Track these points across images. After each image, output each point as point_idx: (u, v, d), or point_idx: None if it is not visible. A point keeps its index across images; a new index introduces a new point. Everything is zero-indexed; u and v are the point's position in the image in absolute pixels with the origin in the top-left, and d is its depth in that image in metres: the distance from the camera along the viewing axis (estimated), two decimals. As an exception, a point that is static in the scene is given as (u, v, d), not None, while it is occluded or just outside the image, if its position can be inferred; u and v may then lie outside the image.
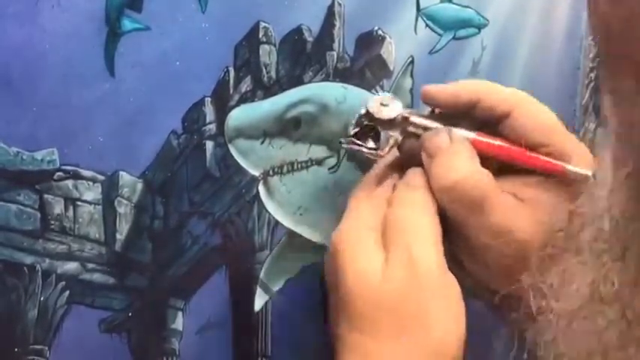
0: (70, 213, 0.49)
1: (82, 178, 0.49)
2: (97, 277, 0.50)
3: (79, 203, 0.49)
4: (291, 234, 0.60)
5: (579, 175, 0.46)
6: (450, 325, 0.41)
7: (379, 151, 0.46)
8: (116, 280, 0.51)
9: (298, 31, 0.58)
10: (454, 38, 0.67)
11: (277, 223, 0.59)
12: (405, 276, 0.41)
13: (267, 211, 0.58)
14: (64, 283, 0.49)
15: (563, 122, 0.51)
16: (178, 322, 0.54)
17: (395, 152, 0.49)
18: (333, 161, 0.59)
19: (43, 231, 0.47)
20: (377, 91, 0.62)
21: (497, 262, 0.45)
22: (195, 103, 0.53)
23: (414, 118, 0.47)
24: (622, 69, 0.28)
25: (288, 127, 0.57)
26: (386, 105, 0.47)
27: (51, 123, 0.47)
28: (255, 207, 0.58)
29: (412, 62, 0.64)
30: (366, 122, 0.47)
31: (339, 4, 0.59)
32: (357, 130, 0.47)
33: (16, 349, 0.47)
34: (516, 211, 0.44)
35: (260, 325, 0.59)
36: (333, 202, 0.60)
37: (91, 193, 0.49)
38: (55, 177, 0.48)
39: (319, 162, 0.59)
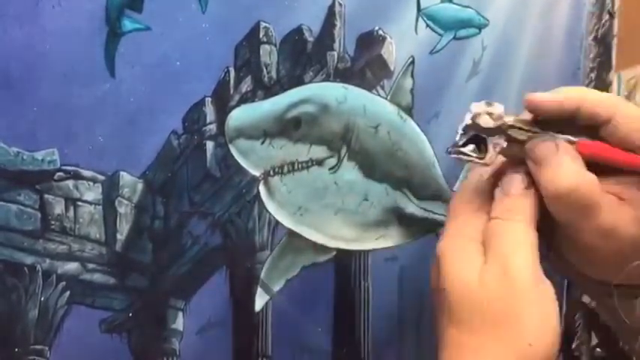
0: (71, 213, 0.49)
1: (82, 178, 0.49)
2: (97, 277, 0.50)
3: (79, 203, 0.49)
4: (292, 234, 0.60)
5: None
6: (540, 333, 0.44)
7: (487, 159, 0.47)
8: (116, 281, 0.51)
9: (299, 31, 0.58)
10: (454, 38, 0.67)
11: (277, 223, 0.59)
12: (499, 283, 0.44)
13: (267, 211, 0.58)
14: (64, 283, 0.49)
15: None
16: (178, 322, 0.54)
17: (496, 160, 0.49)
18: (333, 161, 0.59)
19: (43, 231, 0.47)
20: (377, 92, 0.62)
21: (605, 259, 0.48)
22: (196, 103, 0.53)
23: (518, 123, 0.48)
24: None
25: (288, 127, 0.57)
26: (490, 113, 0.47)
27: (51, 123, 0.47)
28: (255, 207, 0.58)
29: (413, 62, 0.64)
30: (472, 132, 0.47)
31: (340, 4, 0.59)
32: (464, 140, 0.47)
33: (16, 349, 0.47)
34: (620, 211, 0.46)
35: (260, 325, 0.59)
36: (333, 202, 0.60)
37: (92, 193, 0.49)
38: (56, 177, 0.48)
39: (319, 162, 0.59)
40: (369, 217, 0.62)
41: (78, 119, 0.47)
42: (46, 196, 0.47)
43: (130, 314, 0.51)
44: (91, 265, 0.49)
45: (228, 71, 0.54)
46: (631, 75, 0.90)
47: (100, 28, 0.47)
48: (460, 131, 0.48)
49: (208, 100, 0.54)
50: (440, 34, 0.66)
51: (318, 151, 0.59)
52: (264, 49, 0.56)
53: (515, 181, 0.47)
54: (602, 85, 0.84)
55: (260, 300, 0.59)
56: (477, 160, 0.47)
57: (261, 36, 0.56)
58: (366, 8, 0.61)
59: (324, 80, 0.59)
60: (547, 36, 0.75)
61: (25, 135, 0.45)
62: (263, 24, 0.55)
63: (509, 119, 0.48)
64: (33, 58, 0.45)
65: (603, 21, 0.83)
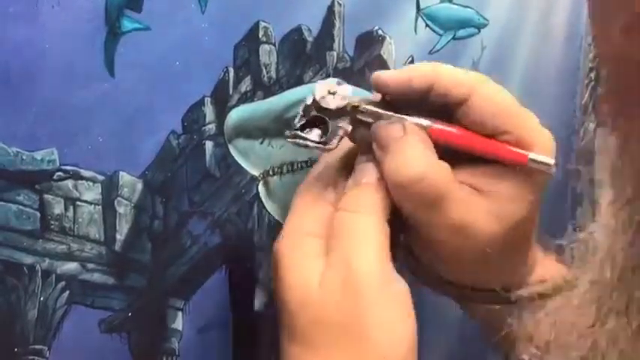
0: (70, 213, 0.49)
1: (81, 178, 0.49)
2: (96, 277, 0.50)
3: (79, 203, 0.49)
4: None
5: (542, 165, 0.44)
6: (393, 337, 0.38)
7: (328, 145, 0.41)
8: (116, 280, 0.51)
9: (298, 31, 0.58)
10: (454, 38, 0.67)
11: (277, 223, 0.59)
12: (342, 288, 0.37)
13: (266, 211, 0.58)
14: (64, 283, 0.49)
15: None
16: (178, 322, 0.54)
17: (344, 145, 0.44)
18: (333, 161, 0.59)
19: (43, 231, 0.47)
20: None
21: (456, 257, 0.43)
22: (195, 103, 0.53)
23: (365, 107, 0.43)
24: (633, 104, 0.26)
25: (288, 127, 0.57)
26: (333, 92, 0.43)
27: (51, 123, 0.47)
28: (255, 207, 0.58)
29: (412, 62, 0.64)
30: (313, 113, 0.42)
31: (339, 4, 0.59)
32: (303, 122, 0.42)
33: (16, 349, 0.47)
34: (474, 205, 0.41)
35: (260, 325, 0.59)
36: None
37: (91, 193, 0.49)
38: (55, 177, 0.48)
39: (319, 162, 0.58)
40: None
41: (77, 119, 0.47)
42: (45, 196, 0.47)
43: (130, 314, 0.51)
44: (90, 265, 0.49)
45: (227, 71, 0.54)
46: (631, 75, 0.90)
47: (100, 27, 0.47)
48: (300, 112, 0.43)
49: (208, 100, 0.54)
50: (439, 34, 0.66)
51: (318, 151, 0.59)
52: (264, 48, 0.56)
53: (368, 170, 0.42)
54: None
55: (260, 300, 0.59)
56: (317, 146, 0.42)
57: (260, 36, 0.56)
58: (365, 8, 0.61)
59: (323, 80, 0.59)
60: (547, 36, 0.75)
61: (24, 135, 0.45)
62: (262, 24, 0.55)
63: (355, 100, 0.43)
64: (32, 58, 0.45)
65: (603, 21, 0.83)
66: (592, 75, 0.83)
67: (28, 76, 0.45)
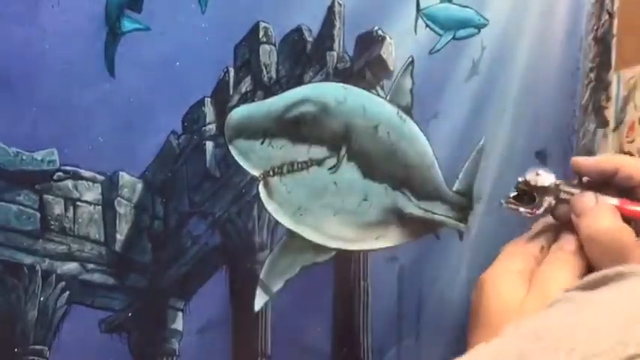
0: (70, 213, 0.49)
1: (81, 178, 0.49)
2: (97, 277, 0.50)
3: (78, 203, 0.49)
4: (291, 234, 0.60)
5: None
6: None
7: (535, 210, 0.52)
8: (116, 281, 0.51)
9: (298, 31, 0.58)
10: (454, 38, 0.67)
11: (277, 223, 0.59)
12: (537, 310, 0.45)
13: (267, 211, 0.58)
14: (64, 283, 0.49)
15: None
16: (178, 322, 0.54)
17: (548, 218, 0.54)
18: (333, 161, 0.59)
19: (43, 231, 0.47)
20: (377, 92, 0.62)
21: None
22: (195, 103, 0.53)
23: (564, 186, 0.53)
24: None
25: (288, 127, 0.57)
26: (540, 175, 0.53)
27: (51, 123, 0.47)
28: (255, 207, 0.58)
29: (412, 62, 0.64)
30: (523, 188, 0.52)
31: (339, 5, 0.59)
32: (515, 194, 0.52)
33: (16, 349, 0.47)
34: None
35: (260, 325, 0.59)
36: (333, 202, 0.60)
37: (91, 193, 0.49)
38: (55, 177, 0.48)
39: (319, 162, 0.58)
40: (368, 217, 0.62)
41: (78, 119, 0.47)
42: (45, 196, 0.47)
43: (130, 314, 0.51)
44: (90, 265, 0.49)
45: (227, 71, 0.54)
46: (630, 75, 0.90)
47: (100, 28, 0.47)
48: (514, 187, 0.53)
49: (208, 100, 0.54)
50: (439, 34, 0.66)
51: (318, 151, 0.59)
52: (264, 49, 0.56)
53: (570, 240, 0.52)
54: (602, 84, 0.84)
55: (260, 300, 0.59)
56: (525, 211, 0.53)
57: (260, 36, 0.56)
58: (365, 8, 0.61)
59: (323, 80, 0.59)
60: (547, 36, 0.75)
61: (24, 135, 0.45)
62: (262, 24, 0.55)
63: (558, 181, 0.53)
64: (33, 58, 0.45)
65: (602, 21, 0.83)
66: (592, 75, 0.83)
67: (28, 77, 0.45)
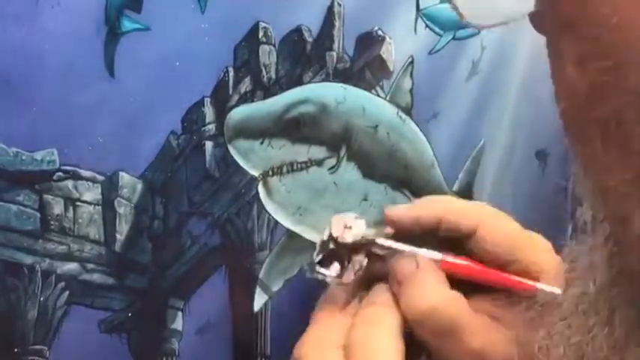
0: (70, 213, 0.49)
1: (81, 178, 0.49)
2: (96, 277, 0.50)
3: (78, 204, 0.49)
4: (291, 234, 0.60)
5: (550, 294, 0.46)
6: None
7: (343, 279, 0.44)
8: (116, 281, 0.51)
9: (298, 31, 0.58)
10: (454, 38, 0.67)
11: (277, 223, 0.59)
12: None
13: (266, 211, 0.58)
14: (63, 283, 0.49)
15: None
16: (178, 322, 0.55)
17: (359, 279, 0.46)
18: (332, 161, 0.59)
19: (43, 231, 0.47)
20: (376, 92, 0.62)
21: None
22: (195, 103, 0.53)
23: (379, 240, 0.45)
24: (588, 134, 0.28)
25: (287, 127, 0.57)
26: (349, 227, 0.45)
27: (51, 123, 0.47)
28: (254, 207, 0.58)
29: (412, 62, 0.64)
30: (331, 247, 0.44)
31: (339, 5, 0.59)
32: (320, 257, 0.44)
33: (16, 349, 0.47)
34: (492, 332, 0.43)
35: (260, 325, 0.59)
36: (333, 203, 0.60)
37: (91, 193, 0.49)
38: (55, 177, 0.48)
39: (319, 162, 0.59)
40: (368, 217, 0.62)
41: (77, 119, 0.47)
42: (45, 196, 0.47)
43: (130, 314, 0.51)
44: (90, 266, 0.49)
45: (227, 71, 0.54)
46: (630, 75, 0.90)
47: (100, 28, 0.47)
48: (317, 248, 0.45)
49: (207, 100, 0.54)
50: (439, 35, 0.66)
51: (318, 152, 0.59)
52: (264, 49, 0.56)
53: (381, 292, 0.44)
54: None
55: (259, 300, 0.59)
56: (332, 280, 0.45)
57: (260, 36, 0.56)
58: (365, 8, 0.61)
59: (323, 80, 0.59)
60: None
61: (24, 135, 0.45)
62: (262, 24, 0.55)
63: (370, 234, 0.45)
64: (32, 58, 0.45)
65: (603, 21, 0.83)
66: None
67: (28, 76, 0.45)
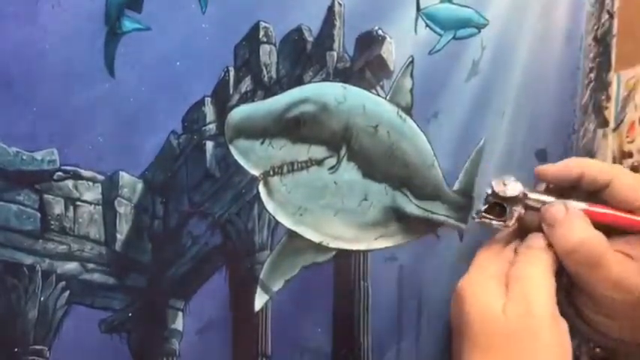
0: (70, 213, 0.49)
1: (82, 178, 0.49)
2: (97, 277, 0.50)
3: (79, 203, 0.49)
4: (291, 234, 0.60)
5: None
6: (555, 357, 0.49)
7: (507, 223, 0.55)
8: (116, 280, 0.51)
9: (298, 31, 0.58)
10: (454, 38, 0.67)
11: (277, 223, 0.59)
12: (521, 313, 0.49)
13: (267, 211, 0.58)
14: (64, 283, 0.49)
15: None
16: (178, 322, 0.54)
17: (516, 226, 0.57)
18: (333, 161, 0.59)
19: (43, 231, 0.47)
20: (377, 92, 0.62)
21: (621, 311, 0.53)
22: (195, 103, 0.53)
23: (532, 194, 0.56)
24: None
25: (288, 127, 0.57)
26: (507, 185, 0.56)
27: (51, 123, 0.47)
28: (255, 207, 0.58)
29: (412, 62, 0.64)
30: (493, 200, 0.55)
31: (339, 4, 0.59)
32: (486, 206, 0.55)
33: (16, 349, 0.47)
34: (628, 266, 0.52)
35: (260, 325, 0.59)
36: (333, 202, 0.60)
37: (91, 193, 0.49)
38: (55, 177, 0.48)
39: (319, 162, 0.59)
40: (368, 217, 0.62)
41: (78, 119, 0.47)
42: (45, 196, 0.47)
43: (130, 314, 0.51)
44: (90, 265, 0.49)
45: (227, 71, 0.54)
46: (630, 75, 0.90)
47: (100, 28, 0.47)
48: (483, 201, 0.56)
49: (208, 100, 0.54)
50: (439, 34, 0.66)
51: (318, 151, 0.59)
52: (264, 49, 0.56)
53: (537, 238, 0.54)
54: (602, 84, 0.84)
55: (260, 300, 0.59)
56: (498, 224, 0.55)
57: (260, 36, 0.56)
58: (365, 8, 0.61)
59: (323, 80, 0.59)
60: (546, 36, 0.75)
61: (24, 135, 0.45)
62: (263, 24, 0.55)
63: (526, 190, 0.55)
64: (33, 58, 0.45)
65: (603, 21, 0.83)
66: (592, 75, 0.83)
67: (28, 76, 0.45)
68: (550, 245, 0.53)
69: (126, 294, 0.51)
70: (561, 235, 0.52)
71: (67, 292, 0.48)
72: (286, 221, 0.59)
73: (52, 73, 0.45)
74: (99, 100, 0.48)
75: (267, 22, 0.55)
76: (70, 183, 0.47)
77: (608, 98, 0.88)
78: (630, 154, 0.88)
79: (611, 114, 0.89)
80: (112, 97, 0.48)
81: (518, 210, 0.55)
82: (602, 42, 0.83)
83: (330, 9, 0.59)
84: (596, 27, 0.82)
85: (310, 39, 0.58)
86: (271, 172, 0.57)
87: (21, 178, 0.45)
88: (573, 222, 0.52)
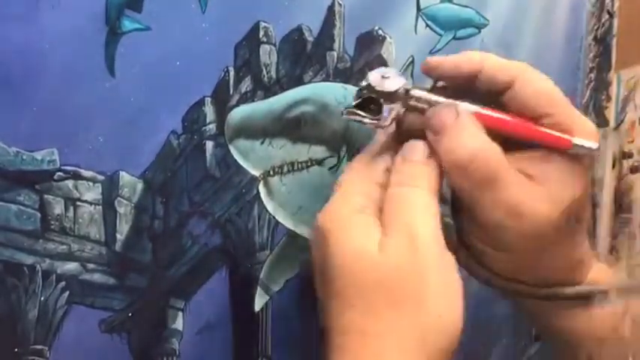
0: (71, 213, 0.49)
1: (82, 178, 0.49)
2: (97, 277, 0.50)
3: (79, 203, 0.49)
4: (292, 234, 0.60)
5: (585, 149, 0.45)
6: (448, 302, 0.40)
7: (381, 122, 0.44)
8: (116, 280, 0.51)
9: (298, 31, 0.58)
10: (454, 38, 0.67)
11: (277, 223, 0.59)
12: (405, 254, 0.39)
13: (267, 211, 0.58)
14: (64, 283, 0.49)
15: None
16: (178, 322, 0.54)
17: (389, 130, 0.47)
18: (333, 161, 0.59)
19: (43, 231, 0.47)
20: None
21: (514, 243, 0.44)
22: (195, 103, 0.53)
23: (416, 92, 0.45)
24: None
25: (288, 127, 0.57)
26: (387, 77, 0.45)
27: (51, 123, 0.47)
28: (255, 207, 0.58)
29: (412, 62, 0.64)
30: (367, 94, 0.45)
31: (339, 4, 0.59)
32: (358, 101, 0.45)
33: (16, 349, 0.47)
34: (528, 188, 0.43)
35: (260, 325, 0.59)
36: (333, 202, 0.60)
37: (91, 193, 0.49)
38: (55, 177, 0.48)
39: (319, 162, 0.59)
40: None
41: (77, 119, 0.47)
42: (45, 196, 0.47)
43: (130, 314, 0.51)
44: (90, 265, 0.49)
45: (227, 71, 0.54)
46: (631, 75, 0.91)
47: (100, 28, 0.47)
48: (354, 94, 0.46)
49: (208, 99, 0.54)
50: (439, 34, 0.66)
51: (318, 151, 0.59)
52: (264, 49, 0.56)
53: (418, 148, 0.44)
54: (602, 84, 0.84)
55: (260, 300, 0.59)
56: (369, 122, 0.45)
57: (260, 36, 0.56)
58: (365, 8, 0.61)
59: (323, 80, 0.59)
60: (547, 36, 0.75)
61: (24, 135, 0.45)
62: (263, 24, 0.55)
63: (408, 85, 0.46)
64: (32, 58, 0.45)
65: (603, 21, 0.83)
66: (592, 75, 0.83)
67: (28, 77, 0.45)
68: (432, 156, 0.43)
69: (126, 294, 0.51)
70: (449, 145, 0.42)
71: (67, 292, 0.48)
72: (286, 221, 0.59)
73: (52, 73, 0.45)
74: (99, 100, 0.48)
75: (267, 22, 0.55)
76: (70, 183, 0.47)
77: (608, 98, 0.88)
78: (630, 155, 0.88)
79: (611, 114, 0.89)
80: (112, 97, 0.48)
81: (397, 108, 0.44)
82: (602, 42, 0.83)
83: (330, 9, 0.59)
84: (596, 27, 0.82)
85: (310, 39, 0.58)
86: (271, 172, 0.57)
87: (21, 178, 0.45)
88: (465, 129, 0.42)
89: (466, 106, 0.44)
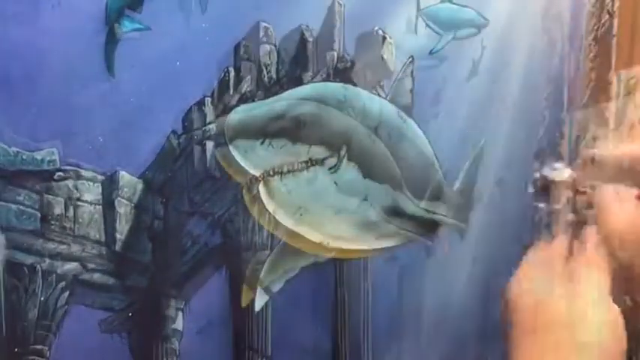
0: (70, 213, 0.49)
1: (82, 178, 0.49)
2: (97, 277, 0.50)
3: (79, 203, 0.49)
4: (292, 234, 0.59)
5: None
6: (608, 337, 0.46)
7: (555, 206, 0.52)
8: (116, 281, 0.51)
9: (298, 31, 0.57)
10: (454, 38, 0.67)
11: (277, 223, 0.59)
12: (570, 302, 0.47)
13: (267, 211, 0.58)
14: (64, 283, 0.49)
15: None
16: (178, 322, 0.54)
17: (568, 210, 0.55)
18: (333, 161, 0.59)
19: (43, 231, 0.47)
20: (377, 92, 0.62)
21: None
22: (196, 103, 0.53)
23: (585, 180, 0.53)
24: None
25: (288, 127, 0.57)
26: (556, 169, 0.54)
27: (51, 123, 0.47)
28: (255, 207, 0.58)
29: (412, 62, 0.64)
30: (541, 183, 0.53)
31: (340, 5, 0.59)
32: (533, 191, 0.53)
33: (16, 349, 0.47)
34: None
35: (260, 325, 0.59)
36: (333, 202, 0.60)
37: (91, 193, 0.49)
38: (56, 177, 0.48)
39: (319, 162, 0.58)
40: (368, 217, 0.62)
41: (78, 119, 0.47)
42: (46, 196, 0.47)
43: (130, 314, 0.51)
44: (90, 265, 0.49)
45: (227, 71, 0.54)
46: (630, 75, 0.90)
47: (100, 28, 0.47)
48: (532, 184, 0.54)
49: (208, 100, 0.54)
50: (439, 34, 0.66)
51: (318, 151, 0.59)
52: (264, 49, 0.56)
53: (589, 232, 0.51)
54: (602, 84, 0.84)
55: (260, 300, 0.59)
56: (548, 206, 0.52)
57: (261, 36, 0.56)
58: (365, 8, 0.61)
59: (323, 80, 0.59)
60: (546, 36, 0.75)
61: (24, 135, 0.45)
62: (263, 24, 0.55)
63: (575, 174, 0.53)
64: (33, 58, 0.45)
65: (603, 21, 0.83)
66: (592, 75, 0.83)
67: (28, 77, 0.45)
68: (603, 239, 0.51)
69: (126, 294, 0.51)
70: (606, 219, 0.50)
71: (67, 292, 0.48)
72: (286, 221, 0.59)
73: (52, 73, 0.45)
74: (99, 100, 0.48)
75: (267, 22, 0.55)
76: (70, 183, 0.47)
77: (608, 98, 0.88)
78: (630, 154, 0.88)
79: (610, 114, 0.89)
80: (112, 97, 0.48)
81: (567, 194, 0.54)
82: (603, 42, 0.83)
83: (330, 9, 0.59)
84: (596, 27, 0.82)
85: (310, 39, 0.58)
86: (271, 172, 0.57)
87: (21, 178, 0.45)
88: (622, 205, 0.50)
89: (625, 189, 0.51)
